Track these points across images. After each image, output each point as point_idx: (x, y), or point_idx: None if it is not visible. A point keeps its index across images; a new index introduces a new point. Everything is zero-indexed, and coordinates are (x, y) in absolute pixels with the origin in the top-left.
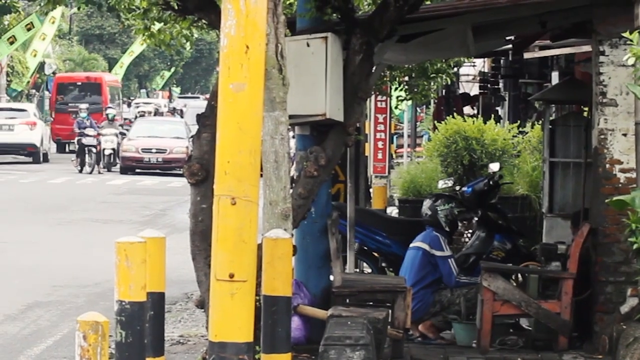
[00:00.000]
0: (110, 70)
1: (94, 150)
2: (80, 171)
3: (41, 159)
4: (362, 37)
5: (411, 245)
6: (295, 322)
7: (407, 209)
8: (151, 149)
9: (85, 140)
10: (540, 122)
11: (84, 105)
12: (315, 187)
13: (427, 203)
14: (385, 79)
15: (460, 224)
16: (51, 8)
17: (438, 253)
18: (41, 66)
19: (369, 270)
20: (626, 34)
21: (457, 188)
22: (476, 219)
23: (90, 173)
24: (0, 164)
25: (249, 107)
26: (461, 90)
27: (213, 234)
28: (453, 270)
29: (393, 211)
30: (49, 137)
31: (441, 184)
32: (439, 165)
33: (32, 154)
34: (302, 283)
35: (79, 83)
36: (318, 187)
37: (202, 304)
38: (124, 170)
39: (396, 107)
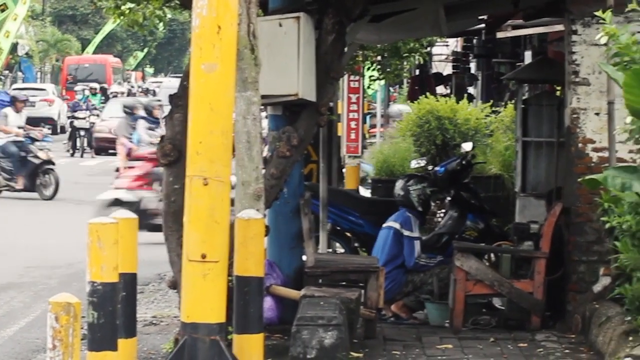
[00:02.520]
0: (83, 50)
1: (82, 133)
2: (72, 155)
3: (59, 130)
4: (334, 16)
5: (384, 225)
6: (268, 302)
7: (380, 188)
8: None
9: (76, 123)
10: (513, 101)
11: (79, 87)
12: (287, 167)
13: (399, 183)
14: (357, 58)
15: (433, 204)
16: None
17: (406, 233)
18: (14, 47)
19: (342, 251)
20: (599, 13)
21: (430, 168)
22: (449, 198)
23: (82, 157)
24: None
25: (221, 88)
26: (434, 70)
27: (185, 215)
28: (415, 252)
29: (366, 191)
30: (65, 112)
31: (414, 164)
32: (412, 145)
33: (51, 126)
34: (275, 263)
35: (86, 64)
36: (290, 167)
37: (175, 285)
38: (97, 151)
39: (369, 87)
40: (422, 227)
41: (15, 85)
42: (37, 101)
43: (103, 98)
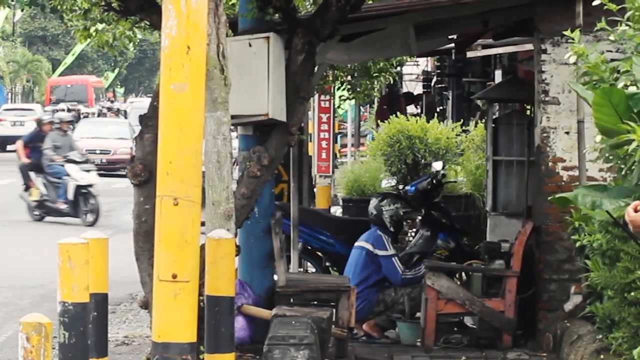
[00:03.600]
0: (53, 71)
1: None
2: None
3: None
4: (304, 36)
5: (355, 244)
6: (240, 322)
7: (351, 208)
8: (95, 150)
9: None
10: (483, 120)
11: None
12: (258, 187)
13: (373, 202)
14: (328, 78)
15: (404, 224)
16: None
17: (381, 253)
18: None
19: (313, 270)
20: (567, 32)
21: (401, 187)
22: (420, 217)
23: None
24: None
25: (191, 108)
26: (404, 90)
27: (156, 235)
28: (398, 268)
29: (337, 210)
30: None
31: (384, 183)
32: (383, 164)
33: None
34: (246, 283)
35: (69, 85)
36: (261, 187)
37: (147, 305)
38: None
39: (339, 107)
40: (394, 245)
41: (5, 106)
42: (26, 121)
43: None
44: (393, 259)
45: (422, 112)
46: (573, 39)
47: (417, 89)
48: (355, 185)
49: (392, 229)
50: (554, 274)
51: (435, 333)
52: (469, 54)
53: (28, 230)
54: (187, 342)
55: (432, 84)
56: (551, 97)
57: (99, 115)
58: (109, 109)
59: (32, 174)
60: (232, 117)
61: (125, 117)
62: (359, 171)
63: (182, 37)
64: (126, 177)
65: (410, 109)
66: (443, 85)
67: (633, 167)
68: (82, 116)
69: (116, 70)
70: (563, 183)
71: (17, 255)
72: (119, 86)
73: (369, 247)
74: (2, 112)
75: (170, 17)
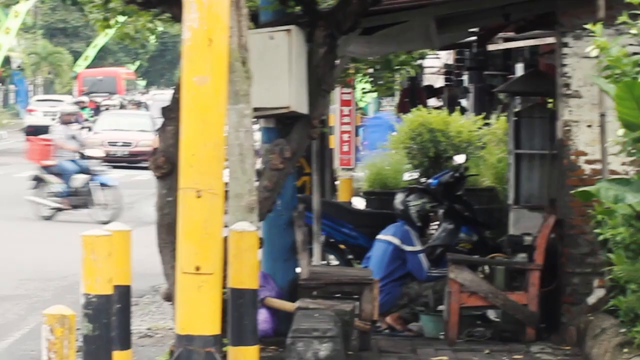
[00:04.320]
0: (74, 63)
1: None
2: None
3: None
4: (325, 29)
5: (380, 237)
6: (263, 314)
7: (374, 201)
8: (117, 142)
9: None
10: (505, 114)
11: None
12: (280, 179)
13: (399, 197)
14: (349, 71)
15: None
16: (15, 1)
17: (408, 248)
18: (6, 60)
19: (336, 263)
20: (589, 26)
21: (423, 180)
22: (442, 211)
23: None
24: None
25: (213, 100)
26: (425, 83)
27: (178, 227)
28: (423, 264)
29: (359, 202)
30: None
31: (407, 176)
32: (405, 157)
33: None
34: (269, 275)
35: (100, 77)
36: (283, 179)
37: (170, 297)
38: None
39: (360, 100)
40: (420, 240)
41: (36, 97)
42: (56, 111)
43: (92, 112)
44: (420, 255)
45: (443, 105)
46: (595, 32)
47: (439, 82)
48: (377, 178)
49: (419, 224)
50: (577, 267)
51: (459, 326)
52: (490, 47)
53: (49, 223)
54: (211, 335)
55: (454, 77)
56: (573, 90)
57: (120, 108)
58: (130, 101)
59: None
60: (254, 109)
61: (146, 110)
62: (381, 164)
63: (204, 29)
64: (148, 169)
65: (432, 101)
66: (461, 78)
67: None
68: (102, 108)
69: (137, 63)
70: (585, 176)
71: (39, 248)
72: (140, 79)
73: (397, 241)
74: (34, 102)
75: (192, 9)
